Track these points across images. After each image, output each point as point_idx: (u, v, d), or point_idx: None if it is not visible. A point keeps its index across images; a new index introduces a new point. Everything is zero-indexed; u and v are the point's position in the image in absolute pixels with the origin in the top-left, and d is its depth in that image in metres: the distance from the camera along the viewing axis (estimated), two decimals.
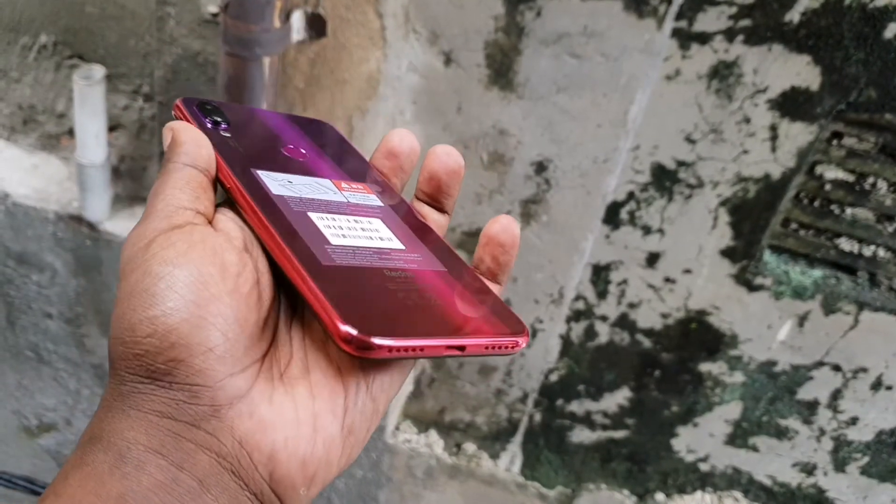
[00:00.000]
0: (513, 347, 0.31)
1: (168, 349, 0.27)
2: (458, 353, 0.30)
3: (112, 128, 1.05)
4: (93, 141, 0.99)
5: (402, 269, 0.33)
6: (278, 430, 0.29)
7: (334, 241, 0.33)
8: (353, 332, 0.27)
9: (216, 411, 0.28)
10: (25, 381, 1.29)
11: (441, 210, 0.38)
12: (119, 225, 1.06)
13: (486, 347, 0.31)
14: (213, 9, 0.92)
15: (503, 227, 0.35)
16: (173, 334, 0.28)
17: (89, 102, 0.95)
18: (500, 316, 0.32)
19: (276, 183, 0.35)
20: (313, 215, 0.34)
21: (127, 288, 0.29)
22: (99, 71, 0.95)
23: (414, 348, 0.28)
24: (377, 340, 0.27)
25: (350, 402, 0.31)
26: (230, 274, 0.30)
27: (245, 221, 0.33)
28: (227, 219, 0.33)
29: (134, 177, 1.08)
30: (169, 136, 0.34)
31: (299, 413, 0.30)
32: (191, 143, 0.33)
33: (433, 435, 1.17)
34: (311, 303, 0.29)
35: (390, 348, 0.28)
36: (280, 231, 0.31)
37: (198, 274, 0.29)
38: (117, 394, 0.28)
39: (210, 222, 0.32)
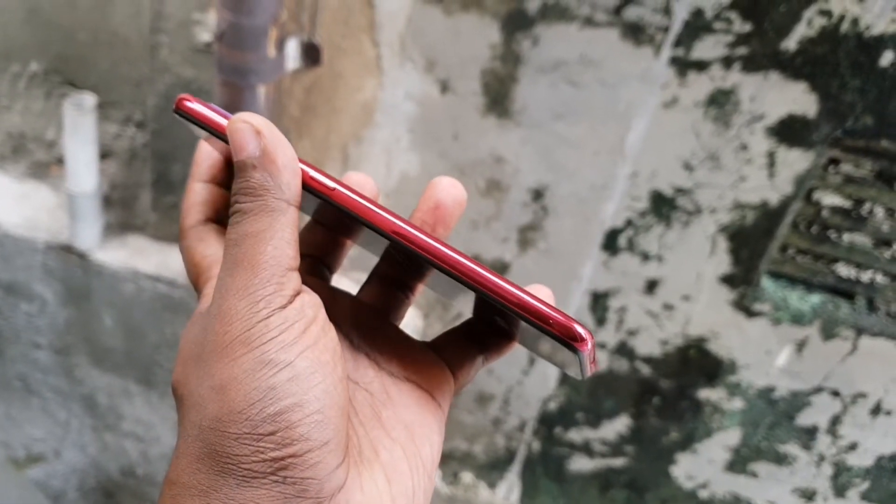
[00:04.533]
0: (595, 366, 0.32)
1: (288, 446, 0.26)
2: (595, 367, 0.30)
3: (103, 156, 1.04)
4: (83, 169, 0.97)
5: None
6: None
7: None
8: (584, 333, 0.28)
9: None
10: (13, 411, 1.27)
11: None
12: (110, 254, 1.05)
13: (592, 360, 0.31)
14: (207, 37, 0.91)
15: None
16: (295, 432, 0.26)
17: (80, 130, 0.94)
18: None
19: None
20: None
21: (241, 376, 0.26)
22: (90, 99, 0.94)
23: (594, 348, 0.29)
24: (580, 329, 0.28)
25: (416, 482, 0.30)
26: (338, 357, 0.28)
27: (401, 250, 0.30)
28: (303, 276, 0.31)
29: (125, 205, 1.07)
30: (254, 142, 0.28)
31: (383, 499, 0.28)
32: (292, 171, 0.28)
33: None
34: (532, 309, 0.28)
35: (593, 345, 0.28)
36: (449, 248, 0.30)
37: (316, 363, 0.27)
38: (217, 485, 0.26)
39: None
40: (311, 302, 0.29)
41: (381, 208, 0.29)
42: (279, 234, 0.28)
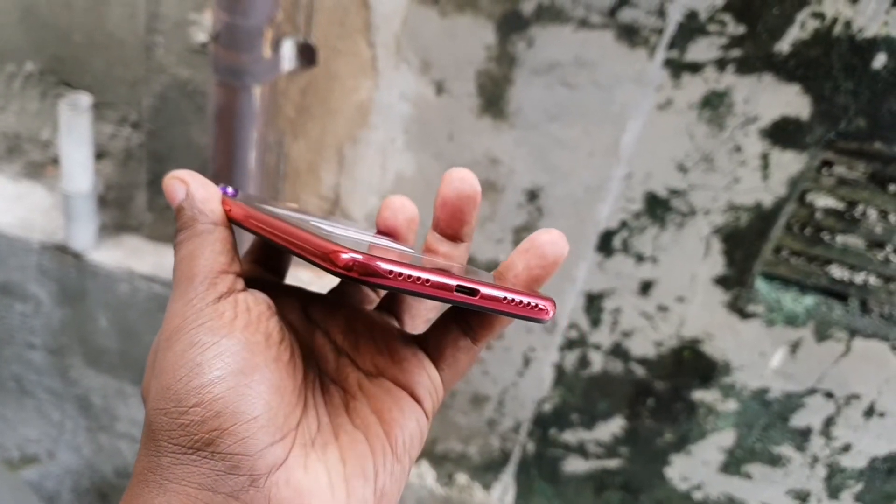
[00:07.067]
0: (538, 310, 0.29)
1: (213, 418, 0.27)
2: (469, 299, 0.27)
3: (98, 156, 1.04)
4: (79, 169, 0.97)
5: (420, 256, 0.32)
6: (314, 497, 0.28)
7: (345, 233, 0.32)
8: (358, 256, 0.25)
9: (254, 481, 0.27)
10: (8, 412, 1.26)
11: (457, 240, 0.36)
12: (105, 254, 1.05)
13: (504, 300, 0.28)
14: (203, 38, 0.91)
15: (552, 240, 0.33)
16: (219, 403, 0.27)
17: (75, 131, 0.94)
18: (527, 290, 0.30)
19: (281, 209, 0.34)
20: (325, 224, 0.33)
21: (172, 358, 0.28)
22: (85, 99, 0.94)
23: (419, 279, 0.26)
24: (382, 264, 0.25)
25: (379, 464, 0.31)
26: (273, 341, 0.30)
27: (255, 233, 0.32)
28: (253, 281, 0.33)
29: (121, 205, 1.07)
30: (182, 190, 0.33)
31: (332, 478, 0.29)
32: (215, 201, 0.33)
33: (424, 465, 1.16)
34: (309, 245, 0.27)
35: (391, 272, 0.26)
36: (288, 223, 0.30)
37: (244, 342, 0.29)
38: (154, 466, 0.28)
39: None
40: (247, 298, 0.31)
41: (263, 215, 0.31)
42: (209, 248, 0.31)
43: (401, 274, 0.26)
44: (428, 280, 0.26)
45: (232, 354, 0.28)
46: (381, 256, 0.26)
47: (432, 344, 0.35)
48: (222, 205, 0.33)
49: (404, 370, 0.33)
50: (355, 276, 0.26)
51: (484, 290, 0.28)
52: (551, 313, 0.30)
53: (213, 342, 0.28)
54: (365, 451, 0.31)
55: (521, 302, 0.29)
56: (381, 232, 0.37)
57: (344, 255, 0.26)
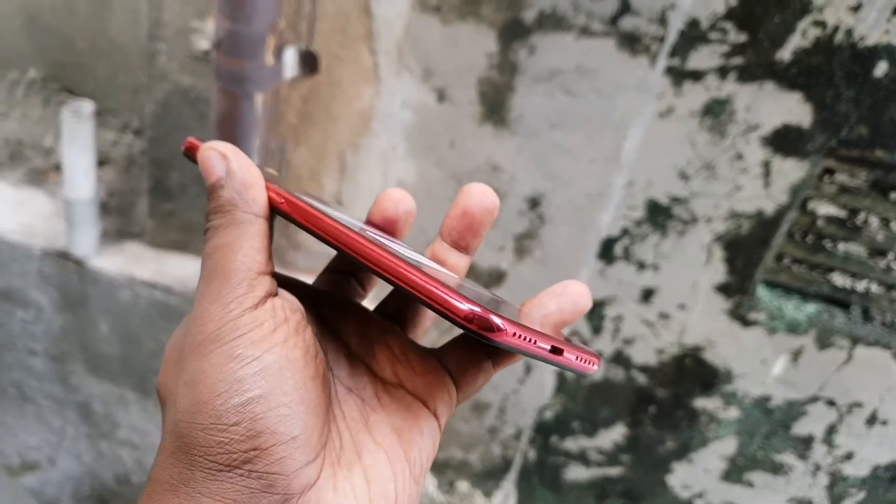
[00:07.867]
0: (593, 365, 0.31)
1: (253, 437, 0.26)
2: (554, 356, 0.28)
3: (101, 163, 1.04)
4: (81, 176, 0.98)
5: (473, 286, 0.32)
6: None
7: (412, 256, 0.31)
8: (476, 309, 0.26)
9: (287, 500, 0.27)
10: (8, 418, 1.26)
11: (465, 251, 0.36)
12: (106, 261, 1.05)
13: (577, 358, 0.29)
14: (205, 45, 0.91)
15: (583, 292, 0.34)
16: (259, 423, 0.27)
17: (78, 138, 0.95)
18: (575, 344, 0.32)
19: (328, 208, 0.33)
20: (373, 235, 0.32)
21: (209, 370, 0.27)
22: (88, 106, 0.94)
23: (528, 338, 0.27)
24: (500, 322, 0.26)
25: (399, 486, 0.30)
26: (310, 357, 0.29)
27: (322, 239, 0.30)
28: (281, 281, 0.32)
29: (122, 212, 1.07)
30: (221, 165, 0.30)
31: (359, 500, 0.29)
32: (258, 187, 0.30)
33: None
34: (429, 293, 0.27)
35: (515, 333, 0.26)
36: (366, 238, 0.29)
37: (285, 359, 0.28)
38: (186, 478, 0.27)
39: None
40: (284, 305, 0.30)
41: (324, 216, 0.30)
42: (248, 243, 0.29)
43: (517, 333, 0.26)
44: (535, 341, 0.27)
45: (273, 373, 0.27)
46: (496, 312, 0.26)
47: (452, 361, 0.34)
48: (268, 192, 0.31)
49: (427, 384, 0.33)
50: (473, 329, 0.26)
51: (567, 351, 0.29)
52: (597, 369, 0.31)
53: (254, 357, 0.27)
54: (387, 472, 0.30)
55: (586, 360, 0.30)
56: (375, 223, 0.36)
57: (462, 307, 0.26)
